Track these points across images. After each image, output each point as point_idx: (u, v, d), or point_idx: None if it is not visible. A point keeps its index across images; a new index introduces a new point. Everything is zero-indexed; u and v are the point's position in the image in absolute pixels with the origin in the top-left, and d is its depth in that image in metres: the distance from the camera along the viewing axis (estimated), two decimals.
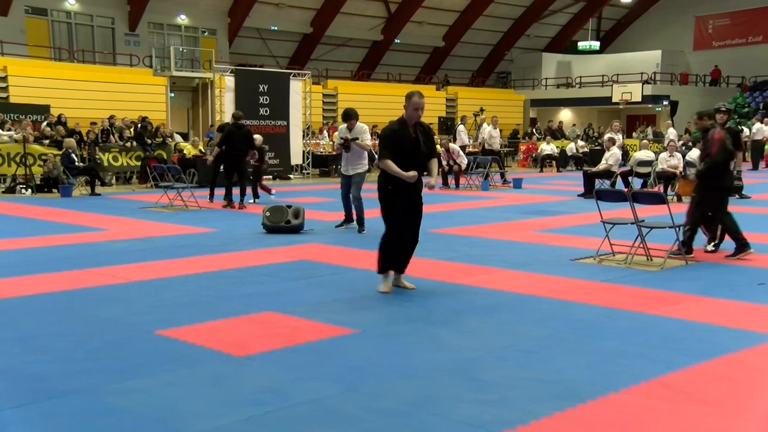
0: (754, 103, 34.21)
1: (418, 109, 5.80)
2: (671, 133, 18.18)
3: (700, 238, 7.87)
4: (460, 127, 20.63)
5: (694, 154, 13.24)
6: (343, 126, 9.78)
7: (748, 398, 3.69)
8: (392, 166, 5.73)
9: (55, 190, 15.00)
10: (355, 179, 9.49)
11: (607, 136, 16.37)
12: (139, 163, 17.65)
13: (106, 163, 17.19)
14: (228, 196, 12.36)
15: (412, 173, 5.73)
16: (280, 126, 19.11)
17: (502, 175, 17.68)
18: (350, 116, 9.58)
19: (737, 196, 13.59)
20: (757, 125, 23.22)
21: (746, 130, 23.38)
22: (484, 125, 21.40)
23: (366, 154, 9.66)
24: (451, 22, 35.15)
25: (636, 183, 14.78)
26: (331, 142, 22.40)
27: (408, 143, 5.78)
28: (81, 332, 4.84)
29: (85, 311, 5.38)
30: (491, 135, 17.91)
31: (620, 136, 16.68)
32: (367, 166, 9.71)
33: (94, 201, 13.77)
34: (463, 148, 19.34)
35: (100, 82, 22.78)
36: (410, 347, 4.53)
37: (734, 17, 37.11)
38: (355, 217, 9.61)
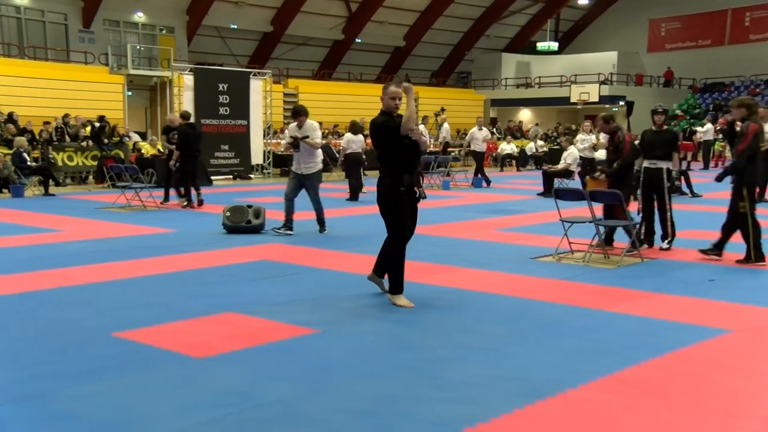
0: (704, 104, 35.18)
1: (395, 98, 5.49)
2: (603, 136, 18.22)
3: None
4: (421, 127, 20.55)
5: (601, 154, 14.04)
6: (293, 124, 9.45)
7: (700, 391, 3.79)
8: (407, 109, 5.37)
9: (5, 191, 14.59)
10: (309, 182, 9.17)
11: (579, 136, 16.30)
12: (95, 163, 17.29)
13: (60, 163, 16.79)
14: (187, 196, 12.20)
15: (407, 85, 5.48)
16: (240, 125, 18.93)
17: (484, 177, 16.96)
18: (300, 113, 9.26)
19: (691, 194, 13.95)
20: (707, 126, 23.83)
21: (699, 131, 24.02)
22: (445, 125, 21.41)
23: (319, 152, 9.35)
24: (411, 22, 35.27)
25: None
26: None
27: (401, 135, 5.39)
28: (35, 336, 4.72)
29: (39, 314, 5.25)
30: (474, 136, 17.26)
31: (592, 136, 16.21)
32: (320, 165, 9.39)
33: (48, 201, 13.45)
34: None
35: (53, 79, 22.20)
36: (373, 346, 4.53)
37: (685, 21, 38.15)
38: (312, 218, 9.38)
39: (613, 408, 3.55)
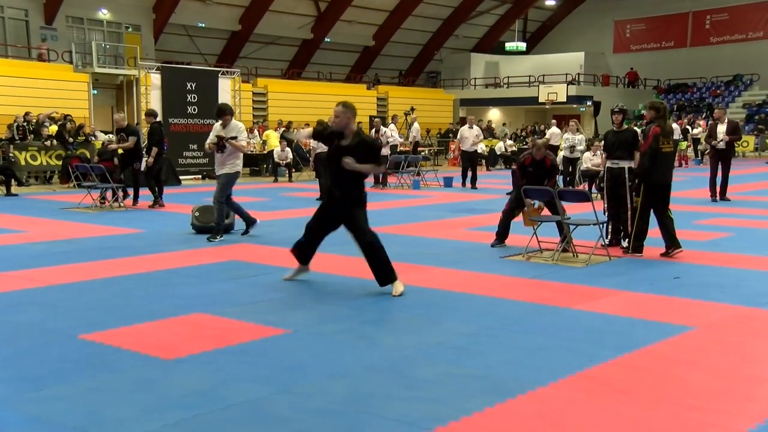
0: (669, 104, 35.81)
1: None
2: (552, 133, 18.18)
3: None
4: (391, 126, 20.28)
5: None
6: (217, 124, 8.87)
7: (664, 387, 3.86)
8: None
9: None
10: (221, 179, 8.66)
11: (565, 135, 15.97)
12: (59, 162, 16.97)
13: (23, 162, 16.45)
14: (158, 194, 12.07)
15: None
16: (209, 125, 18.67)
17: (474, 180, 16.13)
18: (225, 112, 8.75)
19: None
20: (674, 125, 24.19)
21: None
22: (415, 124, 21.41)
23: (241, 154, 8.89)
24: (380, 22, 35.30)
25: (561, 181, 15.19)
26: (261, 141, 22.10)
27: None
28: None
29: (1, 317, 5.13)
30: (463, 136, 16.23)
31: (581, 136, 15.69)
32: (240, 167, 8.91)
33: (11, 201, 13.16)
34: (393, 147, 19.15)
35: (13, 77, 21.71)
36: (341, 346, 4.52)
37: (649, 23, 38.86)
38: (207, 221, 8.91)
39: (582, 405, 3.59)
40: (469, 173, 16.29)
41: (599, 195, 12.48)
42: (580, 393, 3.75)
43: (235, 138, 8.65)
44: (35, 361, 4.18)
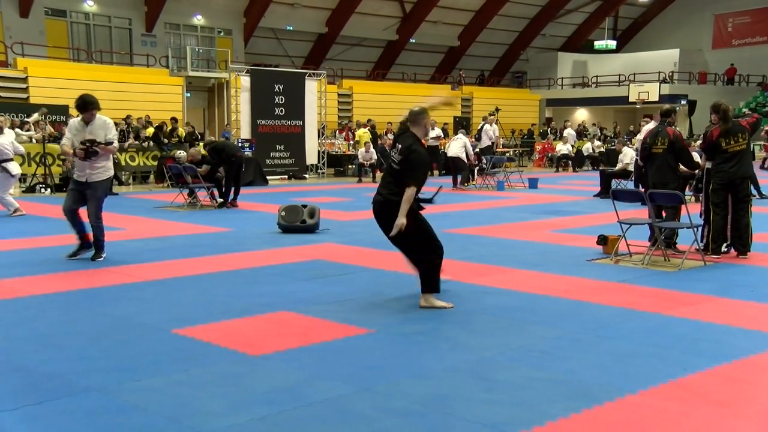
0: None
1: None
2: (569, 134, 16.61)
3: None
4: (486, 127, 19.58)
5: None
6: (76, 119, 7.29)
7: (766, 401, 3.64)
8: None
9: None
10: (93, 191, 7.16)
11: (638, 136, 15.25)
12: (155, 163, 17.76)
13: (123, 163, 17.32)
14: (225, 196, 12.41)
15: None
16: (295, 126, 19.16)
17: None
18: (91, 105, 7.07)
19: (758, 196, 13.41)
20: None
21: None
22: (494, 125, 21.02)
23: (111, 156, 7.45)
24: (466, 22, 35.07)
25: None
26: (346, 143, 22.32)
27: None
28: (95, 331, 4.87)
29: (99, 310, 5.41)
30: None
31: None
32: (111, 171, 7.42)
33: (111, 200, 13.81)
34: (487, 149, 18.68)
35: (117, 82, 22.93)
36: (424, 347, 4.52)
37: (755, 15, 36.68)
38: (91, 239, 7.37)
39: (675, 416, 3.44)
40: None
41: (693, 198, 11.97)
42: (673, 403, 3.59)
43: (110, 143, 7.18)
44: (132, 353, 4.38)
